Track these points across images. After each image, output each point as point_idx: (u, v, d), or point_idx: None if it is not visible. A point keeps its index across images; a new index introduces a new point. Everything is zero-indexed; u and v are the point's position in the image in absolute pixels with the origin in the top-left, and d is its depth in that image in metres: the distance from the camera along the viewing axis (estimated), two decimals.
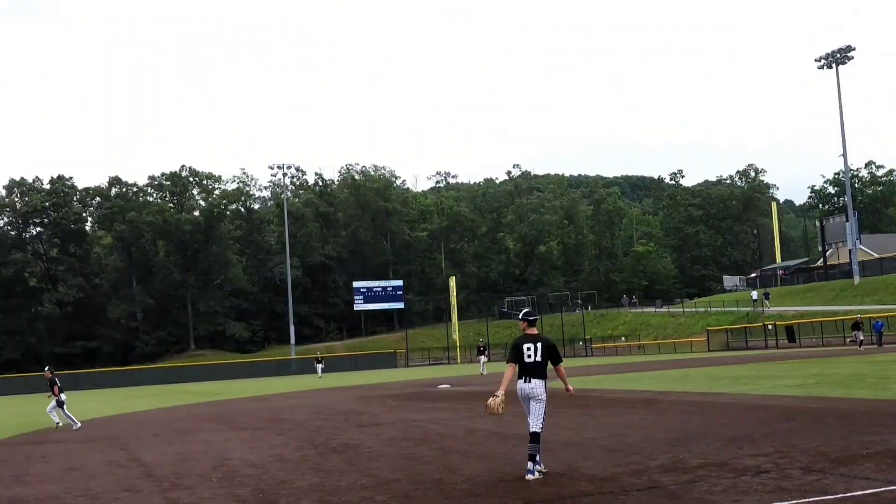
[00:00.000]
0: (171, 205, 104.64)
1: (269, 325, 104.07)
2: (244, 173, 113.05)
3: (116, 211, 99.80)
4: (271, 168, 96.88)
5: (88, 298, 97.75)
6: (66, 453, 17.89)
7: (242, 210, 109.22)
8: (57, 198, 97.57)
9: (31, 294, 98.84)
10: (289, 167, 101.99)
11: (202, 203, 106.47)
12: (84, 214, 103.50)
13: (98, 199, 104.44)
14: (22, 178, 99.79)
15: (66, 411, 24.58)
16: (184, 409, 31.59)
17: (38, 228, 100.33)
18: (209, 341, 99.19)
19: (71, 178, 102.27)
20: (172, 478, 13.08)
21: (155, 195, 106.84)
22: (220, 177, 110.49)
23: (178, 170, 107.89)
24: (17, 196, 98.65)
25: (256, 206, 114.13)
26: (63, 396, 24.77)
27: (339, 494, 10.57)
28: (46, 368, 26.69)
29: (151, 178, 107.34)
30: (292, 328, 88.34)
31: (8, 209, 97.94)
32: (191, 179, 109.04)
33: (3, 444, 21.40)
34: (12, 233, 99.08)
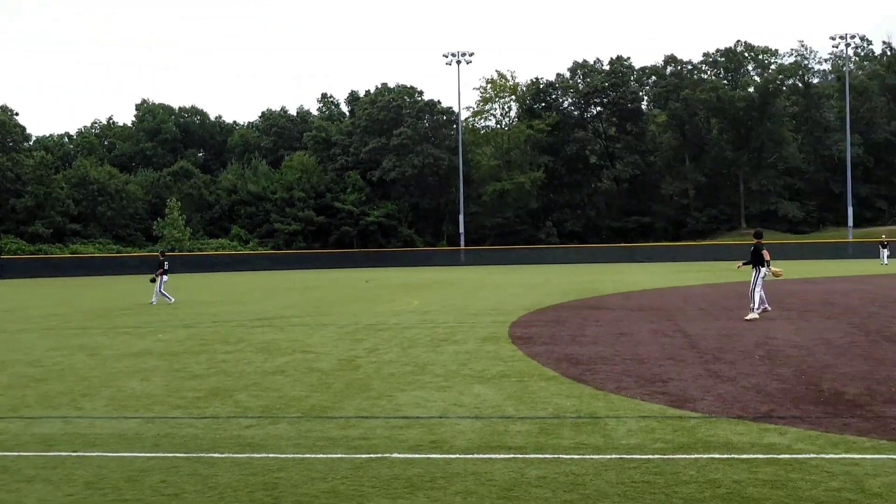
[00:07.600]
0: (725, 81, 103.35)
1: (825, 205, 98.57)
2: (802, 46, 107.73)
3: (671, 89, 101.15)
4: (833, 39, 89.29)
5: (643, 175, 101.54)
6: (617, 319, 19.21)
7: (800, 85, 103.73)
8: (615, 78, 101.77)
9: (592, 170, 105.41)
10: (852, 36, 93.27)
11: (756, 79, 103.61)
12: (640, 93, 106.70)
13: (654, 77, 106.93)
14: (584, 60, 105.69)
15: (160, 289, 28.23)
16: (730, 286, 31.74)
17: (598, 108, 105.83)
18: (760, 220, 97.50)
19: (629, 58, 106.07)
20: (715, 351, 13.35)
21: (709, 72, 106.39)
22: (776, 50, 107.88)
23: (732, 45, 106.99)
24: (579, 77, 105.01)
25: (815, 81, 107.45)
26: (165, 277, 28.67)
27: (890, 384, 9.90)
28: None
29: (706, 54, 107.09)
30: (850, 209, 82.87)
31: (572, 90, 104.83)
32: (745, 55, 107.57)
33: (564, 307, 23.66)
34: (575, 112, 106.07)
